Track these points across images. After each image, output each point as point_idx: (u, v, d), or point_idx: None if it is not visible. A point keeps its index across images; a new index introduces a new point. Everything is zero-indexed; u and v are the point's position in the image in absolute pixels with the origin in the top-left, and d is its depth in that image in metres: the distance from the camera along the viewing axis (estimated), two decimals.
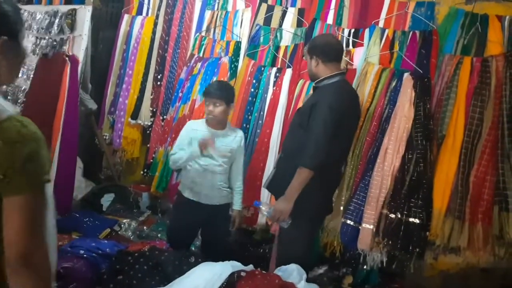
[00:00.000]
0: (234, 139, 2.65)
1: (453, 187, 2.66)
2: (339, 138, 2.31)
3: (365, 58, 2.96)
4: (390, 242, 2.66)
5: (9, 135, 0.95)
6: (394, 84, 2.84)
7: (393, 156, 2.71)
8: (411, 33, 2.90)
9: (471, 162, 2.64)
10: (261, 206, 2.48)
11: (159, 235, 3.23)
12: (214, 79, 3.28)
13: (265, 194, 3.08)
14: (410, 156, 2.69)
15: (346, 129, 2.40)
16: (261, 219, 3.10)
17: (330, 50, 2.41)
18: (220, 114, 2.55)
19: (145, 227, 3.30)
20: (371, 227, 2.68)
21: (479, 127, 2.65)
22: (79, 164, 3.45)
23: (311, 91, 2.82)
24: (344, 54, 3.00)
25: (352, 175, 2.85)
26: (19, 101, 3.43)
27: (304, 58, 2.47)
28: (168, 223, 2.76)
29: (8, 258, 0.97)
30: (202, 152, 2.45)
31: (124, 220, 3.29)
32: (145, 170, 3.65)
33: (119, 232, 3.13)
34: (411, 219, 2.61)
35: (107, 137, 3.88)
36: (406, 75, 2.80)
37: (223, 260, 2.24)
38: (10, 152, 0.95)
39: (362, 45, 2.99)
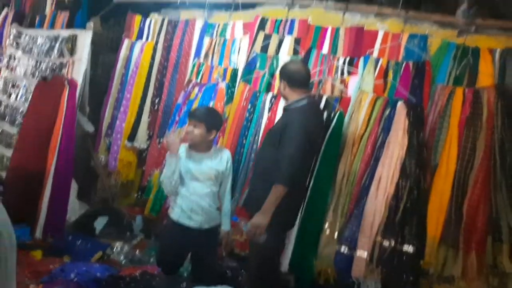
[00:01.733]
0: (220, 161, 2.67)
1: (446, 215, 2.67)
2: (307, 156, 2.55)
3: (359, 86, 3.01)
4: (384, 270, 2.65)
5: None
6: (387, 112, 2.88)
7: (387, 183, 2.73)
8: (404, 63, 2.97)
9: (464, 191, 2.66)
10: (238, 222, 2.61)
11: (151, 259, 3.19)
12: (211, 104, 3.33)
13: None
14: (404, 183, 2.71)
15: (313, 147, 2.62)
16: None
17: (296, 77, 2.62)
18: (197, 137, 2.59)
19: (137, 251, 3.26)
20: (365, 255, 2.67)
21: (472, 156, 2.68)
22: (74, 186, 3.44)
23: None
24: (338, 81, 3.08)
25: (346, 202, 2.85)
26: (16, 122, 3.45)
27: None
28: (158, 247, 2.74)
29: None
30: (169, 151, 2.51)
31: (117, 244, 3.25)
32: (139, 193, 3.65)
33: (111, 256, 3.10)
34: (405, 247, 2.61)
35: (102, 159, 3.88)
36: (399, 103, 2.85)
37: (215, 285, 2.22)
38: None
39: (356, 74, 3.05)
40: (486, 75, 2.81)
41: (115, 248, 3.21)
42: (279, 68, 3.25)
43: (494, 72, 2.80)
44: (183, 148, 2.62)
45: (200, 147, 2.62)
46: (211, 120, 2.62)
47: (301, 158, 2.44)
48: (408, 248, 2.60)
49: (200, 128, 2.56)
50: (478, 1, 2.82)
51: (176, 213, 2.61)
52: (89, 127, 3.66)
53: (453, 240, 2.62)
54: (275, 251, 2.67)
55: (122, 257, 3.10)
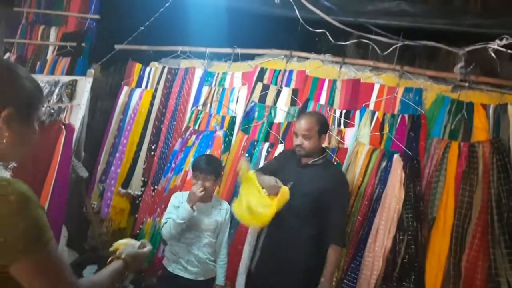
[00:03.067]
0: (220, 211, 2.63)
1: (445, 271, 2.61)
2: None
3: (356, 138, 3.04)
4: None
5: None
6: (384, 164, 2.89)
7: (384, 236, 2.69)
8: (400, 116, 3.02)
9: (462, 246, 2.62)
10: None
11: None
12: (208, 151, 3.32)
13: (242, 267, 2.99)
14: (401, 237, 2.67)
15: None
16: None
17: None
18: (210, 189, 2.55)
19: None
20: None
21: (469, 210, 2.66)
22: (64, 233, 3.35)
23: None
24: (335, 132, 3.11)
25: (343, 255, 2.79)
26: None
27: (305, 137, 2.49)
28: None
29: None
30: (192, 207, 2.42)
31: None
32: None
33: None
34: None
35: (95, 206, 3.81)
36: (396, 156, 2.87)
37: None
38: (4, 214, 0.90)
39: (353, 125, 3.09)
40: (481, 130, 2.85)
41: None
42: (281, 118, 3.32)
43: (488, 127, 2.85)
44: (186, 195, 2.57)
45: (206, 197, 2.57)
46: (217, 168, 2.62)
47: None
48: None
49: (211, 179, 2.53)
50: (472, 59, 2.92)
51: (171, 264, 2.54)
52: (83, 173, 3.62)
53: None
54: None
55: None
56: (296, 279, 2.43)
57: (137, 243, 1.49)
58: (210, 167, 2.53)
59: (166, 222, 2.52)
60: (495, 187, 2.63)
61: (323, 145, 2.66)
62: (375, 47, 3.18)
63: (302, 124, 2.50)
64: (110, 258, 1.33)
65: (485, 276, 2.53)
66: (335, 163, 2.95)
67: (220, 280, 2.65)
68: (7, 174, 1.01)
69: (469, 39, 2.87)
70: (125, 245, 1.45)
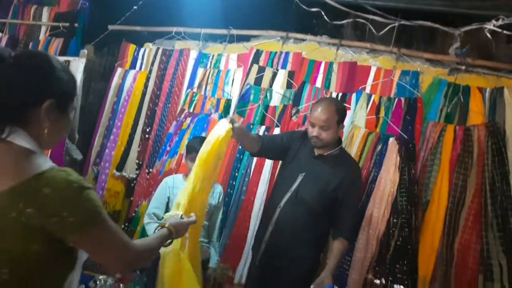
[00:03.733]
0: (213, 194, 2.62)
1: (438, 254, 2.64)
2: None
3: (352, 121, 3.03)
4: None
5: (56, 183, 1.00)
6: (379, 148, 2.89)
7: (379, 219, 2.70)
8: (396, 99, 3.00)
9: (455, 229, 2.64)
10: None
11: None
12: (203, 134, 3.30)
13: (246, 252, 3.00)
14: (395, 220, 2.69)
15: None
16: (238, 278, 2.99)
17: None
18: None
19: (121, 285, 3.14)
20: None
21: (463, 194, 2.68)
22: None
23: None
24: None
25: (347, 250, 2.79)
26: None
27: (323, 128, 2.25)
28: (145, 281, 2.64)
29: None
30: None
31: (101, 277, 3.13)
32: (126, 224, 3.55)
33: None
34: (396, 286, 2.56)
35: None
36: (391, 140, 2.86)
37: None
38: (61, 198, 0.99)
39: (349, 108, 3.06)
40: (477, 113, 2.85)
41: (98, 281, 3.08)
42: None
43: (484, 111, 2.84)
44: (177, 179, 2.56)
45: None
46: None
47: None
48: (400, 287, 2.55)
49: None
50: (468, 41, 2.89)
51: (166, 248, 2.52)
52: (77, 155, 3.59)
53: (445, 279, 2.58)
54: None
55: None
56: (299, 275, 2.32)
57: (180, 213, 1.76)
58: None
59: (148, 223, 2.53)
60: (489, 171, 2.64)
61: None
62: (372, 28, 3.14)
63: (320, 114, 2.23)
64: (156, 227, 1.56)
65: (477, 258, 2.56)
66: None
67: (214, 261, 2.67)
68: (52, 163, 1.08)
69: (466, 21, 2.84)
70: (171, 217, 1.71)
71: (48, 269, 1.04)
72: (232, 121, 2.10)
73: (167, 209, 2.51)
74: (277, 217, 2.32)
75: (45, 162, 1.05)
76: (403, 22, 3.04)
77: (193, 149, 2.52)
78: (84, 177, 3.72)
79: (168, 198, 2.50)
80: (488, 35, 2.74)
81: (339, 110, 2.31)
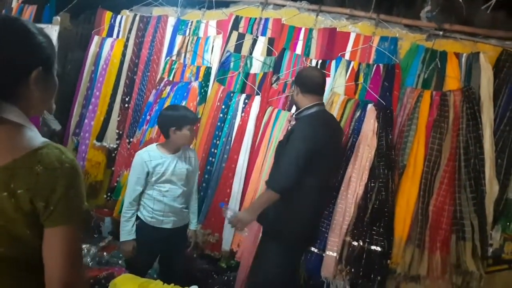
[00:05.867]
0: (189, 159, 2.63)
1: (413, 216, 2.73)
2: (314, 167, 2.35)
3: (331, 88, 3.04)
4: (352, 270, 2.68)
5: (49, 161, 0.96)
6: (358, 114, 2.92)
7: (357, 184, 2.77)
8: (375, 66, 3.02)
9: (430, 192, 2.72)
10: (224, 208, 2.58)
11: (120, 261, 3.12)
12: (183, 103, 3.28)
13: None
14: (372, 184, 2.75)
15: (323, 158, 2.40)
16: (225, 245, 3.07)
17: (309, 82, 2.50)
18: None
19: (105, 253, 3.19)
20: (335, 254, 2.70)
21: (438, 158, 2.75)
22: None
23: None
24: None
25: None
26: None
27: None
28: None
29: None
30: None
31: (84, 246, 3.16)
32: (109, 194, 3.56)
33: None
34: (373, 247, 2.65)
35: None
36: (369, 106, 2.89)
37: (185, 286, 2.20)
38: (52, 178, 0.96)
39: (328, 75, 3.07)
40: (453, 79, 2.89)
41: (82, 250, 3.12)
42: (252, 69, 3.27)
43: (460, 76, 2.88)
44: (152, 151, 2.52)
45: (174, 148, 2.56)
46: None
47: (300, 167, 2.28)
48: (376, 248, 2.65)
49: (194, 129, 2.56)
50: (445, 7, 2.90)
51: (147, 217, 2.53)
52: (56, 126, 3.55)
53: (419, 240, 2.68)
54: (283, 267, 2.48)
55: (89, 259, 3.02)
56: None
57: None
58: (197, 117, 2.58)
59: (128, 220, 2.50)
60: (464, 135, 2.71)
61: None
62: None
63: None
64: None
65: (450, 219, 2.66)
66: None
67: (194, 225, 2.73)
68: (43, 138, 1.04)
69: None
70: None
71: (39, 253, 1.00)
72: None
73: (146, 184, 2.49)
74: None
75: (37, 137, 1.01)
76: None
77: (192, 121, 2.52)
78: None
79: (148, 173, 2.47)
80: None
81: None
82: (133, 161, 2.53)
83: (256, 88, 3.23)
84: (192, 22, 3.57)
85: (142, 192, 2.52)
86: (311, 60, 3.18)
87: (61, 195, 0.96)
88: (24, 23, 1.04)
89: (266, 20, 3.36)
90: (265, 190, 2.40)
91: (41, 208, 0.96)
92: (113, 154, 3.65)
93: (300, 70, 2.72)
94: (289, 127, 2.79)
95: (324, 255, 2.72)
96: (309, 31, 3.22)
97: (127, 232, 2.49)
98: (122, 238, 2.50)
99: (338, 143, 2.67)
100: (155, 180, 2.48)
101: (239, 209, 3.05)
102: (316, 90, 2.51)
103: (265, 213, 2.42)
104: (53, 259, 0.98)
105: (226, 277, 3.15)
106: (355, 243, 2.68)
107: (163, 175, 2.48)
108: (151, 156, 2.48)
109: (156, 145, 2.58)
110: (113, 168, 3.63)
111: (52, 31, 3.27)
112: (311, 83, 2.50)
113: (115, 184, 3.52)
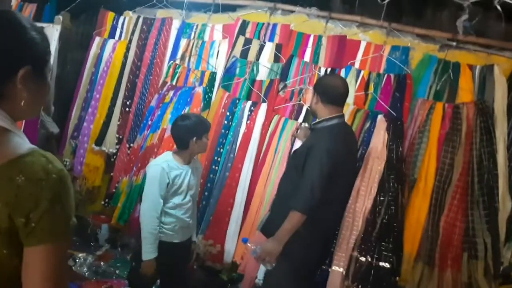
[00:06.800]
0: (197, 170, 2.54)
1: (423, 232, 2.64)
2: (334, 184, 2.24)
3: None
4: (360, 287, 2.59)
5: (33, 171, 0.86)
6: (368, 125, 2.84)
7: (365, 197, 2.67)
8: (385, 75, 2.94)
9: (441, 207, 2.64)
10: (248, 244, 2.37)
11: (117, 271, 3.01)
12: (187, 108, 3.18)
13: (231, 229, 2.97)
14: (382, 198, 2.66)
15: (342, 174, 2.31)
16: (227, 257, 2.97)
17: (331, 92, 2.35)
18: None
19: (102, 263, 3.07)
20: (341, 270, 2.60)
21: (450, 172, 2.67)
22: None
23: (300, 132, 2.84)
24: None
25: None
26: None
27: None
28: (133, 265, 2.51)
29: None
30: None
31: (80, 254, 3.05)
32: (107, 200, 3.44)
33: (73, 268, 2.89)
34: (381, 263, 2.56)
35: (67, 163, 3.65)
36: (379, 117, 2.81)
37: None
38: (35, 191, 0.85)
39: None
40: (466, 91, 2.82)
41: (78, 259, 3.00)
42: (257, 76, 3.18)
43: (473, 88, 2.81)
44: (170, 161, 2.37)
45: (190, 157, 2.43)
46: None
47: (325, 184, 2.16)
48: (385, 264, 2.56)
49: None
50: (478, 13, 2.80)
51: (168, 236, 2.38)
52: (54, 128, 3.42)
53: (429, 257, 2.60)
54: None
55: (85, 269, 2.90)
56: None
57: None
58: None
59: (155, 224, 2.31)
60: (477, 149, 2.63)
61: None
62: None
63: None
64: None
65: (462, 236, 2.57)
66: None
67: (194, 236, 2.64)
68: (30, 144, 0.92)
69: None
70: None
71: (18, 274, 0.89)
72: None
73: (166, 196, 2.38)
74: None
75: (23, 143, 0.91)
76: None
77: (208, 129, 2.47)
78: (61, 151, 3.65)
79: (167, 184, 2.32)
80: (498, 7, 2.64)
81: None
82: (151, 171, 2.35)
83: (262, 95, 3.14)
84: (197, 25, 3.48)
85: None
86: (319, 67, 3.10)
87: (44, 210, 0.85)
88: (15, 16, 0.94)
89: (274, 25, 3.27)
90: (291, 213, 2.18)
91: (21, 225, 0.85)
92: (112, 159, 3.53)
93: (321, 77, 2.60)
94: (302, 138, 2.66)
95: (330, 270, 2.62)
96: (319, 38, 3.14)
97: (154, 250, 2.31)
98: (146, 257, 2.29)
99: (355, 160, 2.58)
100: (172, 193, 2.35)
101: (242, 220, 2.95)
102: (338, 101, 2.38)
103: (274, 227, 2.30)
104: (33, 282, 0.87)
105: None
106: (363, 259, 2.59)
107: (180, 187, 2.36)
108: (170, 166, 2.34)
109: (172, 154, 2.43)
110: (111, 174, 3.52)
111: (54, 30, 3.15)
112: (334, 93, 2.35)
113: (114, 190, 3.40)
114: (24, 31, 0.92)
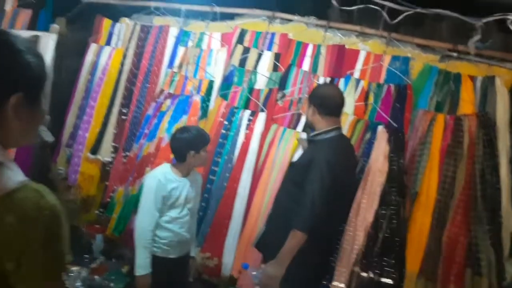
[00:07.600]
0: (196, 182, 2.49)
1: (426, 246, 2.59)
2: (335, 198, 2.17)
3: None
4: None
5: (24, 210, 0.79)
6: (368, 136, 2.80)
7: (367, 210, 2.62)
8: (386, 86, 2.90)
9: (444, 222, 2.59)
10: (249, 270, 2.29)
11: (111, 284, 2.94)
12: (184, 117, 3.13)
13: (229, 242, 2.91)
14: (383, 212, 2.61)
15: (343, 188, 2.26)
16: (225, 271, 2.91)
17: (328, 104, 2.29)
18: None
19: (96, 276, 2.99)
20: (342, 286, 2.54)
21: (452, 185, 2.62)
22: None
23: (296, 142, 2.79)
24: None
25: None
26: None
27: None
28: (129, 281, 2.44)
29: None
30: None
31: (73, 268, 2.96)
32: (101, 209, 3.38)
33: (66, 282, 2.81)
34: (383, 279, 2.50)
35: (62, 172, 3.58)
36: (380, 128, 2.76)
37: None
38: (26, 231, 0.79)
39: None
40: (467, 102, 2.78)
41: (71, 273, 2.92)
42: (253, 84, 3.13)
43: (475, 100, 2.77)
44: (168, 173, 2.31)
45: (188, 170, 2.38)
46: None
47: (324, 200, 2.08)
48: (387, 281, 2.50)
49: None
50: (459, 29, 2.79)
51: (164, 250, 2.33)
52: (48, 137, 3.35)
53: (432, 273, 2.55)
54: None
55: (79, 283, 2.82)
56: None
57: None
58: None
59: (146, 254, 2.25)
60: (480, 162, 2.58)
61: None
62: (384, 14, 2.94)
63: None
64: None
65: (465, 252, 2.52)
66: None
67: (193, 251, 2.57)
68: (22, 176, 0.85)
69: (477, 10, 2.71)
70: None
71: None
72: None
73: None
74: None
75: (14, 176, 0.83)
76: (418, 10, 2.87)
77: (208, 142, 2.42)
78: (55, 160, 3.57)
79: (163, 197, 2.26)
80: (510, 26, 2.62)
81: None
82: (147, 182, 2.30)
83: (261, 105, 3.09)
84: (195, 33, 3.43)
85: None
86: (318, 77, 3.06)
87: (37, 251, 0.80)
88: (8, 37, 0.86)
89: (273, 34, 3.23)
90: (292, 233, 2.09)
91: (10, 269, 0.79)
92: (108, 168, 3.47)
93: (316, 88, 2.52)
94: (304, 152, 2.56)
95: (331, 285, 2.57)
96: (317, 47, 3.10)
97: (147, 265, 2.24)
98: (139, 272, 2.23)
99: (355, 173, 2.53)
100: (169, 205, 2.29)
101: (241, 230, 2.89)
102: (335, 112, 2.32)
103: (269, 243, 2.24)
104: None
105: None
106: (364, 274, 2.53)
107: (177, 200, 2.30)
108: (167, 178, 2.28)
109: (170, 166, 2.38)
110: (106, 183, 3.45)
111: (49, 39, 3.09)
112: (331, 104, 2.29)
113: (108, 199, 3.34)
114: (17, 55, 0.85)
